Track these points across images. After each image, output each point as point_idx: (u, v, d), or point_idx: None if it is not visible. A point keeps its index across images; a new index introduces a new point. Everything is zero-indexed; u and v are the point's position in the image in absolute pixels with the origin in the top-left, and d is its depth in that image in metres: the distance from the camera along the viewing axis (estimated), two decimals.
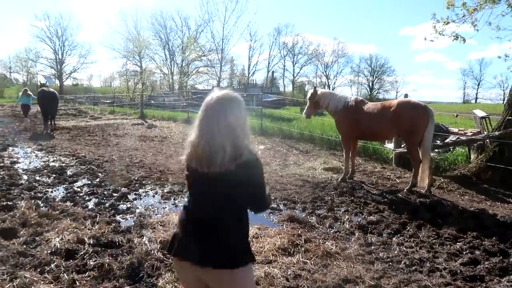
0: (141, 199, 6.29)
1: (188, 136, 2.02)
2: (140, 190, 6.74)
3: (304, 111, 8.46)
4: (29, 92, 17.97)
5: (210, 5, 53.89)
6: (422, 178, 6.84)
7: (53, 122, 15.98)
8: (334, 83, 78.49)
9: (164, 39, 54.52)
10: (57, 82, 67.61)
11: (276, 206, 6.09)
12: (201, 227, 1.90)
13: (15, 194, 6.05)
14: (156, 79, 56.35)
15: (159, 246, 4.10)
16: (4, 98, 58.26)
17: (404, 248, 4.50)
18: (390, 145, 10.19)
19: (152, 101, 32.25)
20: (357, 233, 4.93)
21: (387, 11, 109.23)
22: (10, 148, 10.75)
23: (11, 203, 5.40)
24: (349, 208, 6.01)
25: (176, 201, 6.16)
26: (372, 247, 4.52)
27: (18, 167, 8.31)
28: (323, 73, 77.56)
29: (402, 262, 4.10)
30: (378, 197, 6.58)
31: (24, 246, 4.03)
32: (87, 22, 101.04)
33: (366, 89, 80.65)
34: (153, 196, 6.46)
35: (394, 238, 4.82)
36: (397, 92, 77.37)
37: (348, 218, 5.54)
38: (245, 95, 28.19)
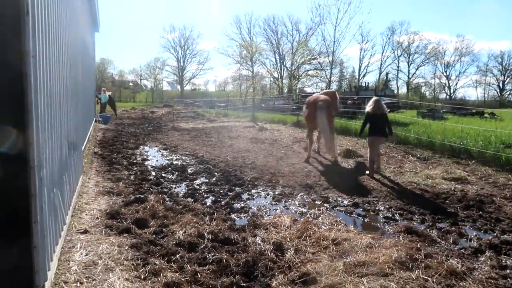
0: (253, 199, 6.52)
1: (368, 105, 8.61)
2: (253, 191, 7.00)
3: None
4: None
5: (322, 8, 53.58)
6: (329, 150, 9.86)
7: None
8: (456, 84, 71.45)
9: (275, 44, 55.99)
10: (179, 87, 74.44)
11: (390, 215, 5.77)
12: (378, 130, 8.35)
13: (145, 188, 6.80)
14: (266, 83, 58.19)
15: (272, 247, 4.20)
16: (136, 102, 66.18)
17: None
18: None
19: (263, 105, 33.30)
20: (488, 252, 4.39)
21: None
22: (141, 147, 12.14)
23: (142, 196, 6.07)
24: (477, 224, 5.40)
25: (287, 204, 6.24)
26: (508, 270, 3.97)
27: (148, 164, 9.33)
28: (443, 73, 71.22)
29: None
30: None
31: (154, 235, 4.49)
32: (207, 31, 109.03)
33: (496, 90, 71.75)
34: (265, 197, 6.64)
35: None
36: None
37: (476, 235, 4.98)
38: (355, 98, 27.35)
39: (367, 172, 8.49)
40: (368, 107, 8.56)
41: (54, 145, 3.73)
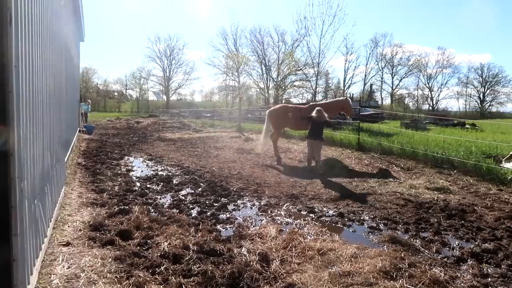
0: (239, 210, 6.50)
1: (313, 113, 10.39)
2: (239, 201, 6.98)
3: None
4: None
5: (307, 20, 54.18)
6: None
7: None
8: (438, 95, 73.03)
9: (261, 55, 56.33)
10: (164, 97, 74.17)
11: (375, 225, 5.82)
12: (315, 134, 10.18)
13: (130, 199, 6.72)
14: (252, 94, 58.43)
15: (257, 258, 4.18)
16: (121, 112, 65.64)
17: None
18: (508, 165, 9.09)
19: (249, 115, 33.39)
20: (470, 261, 4.46)
21: (507, 16, 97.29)
22: (126, 157, 12.01)
23: (127, 207, 5.99)
24: (460, 233, 5.48)
25: (273, 214, 6.23)
26: (489, 279, 4.04)
27: (133, 174, 9.23)
28: (425, 84, 72.71)
29: None
30: (495, 223, 5.90)
31: (138, 247, 4.43)
32: (194, 42, 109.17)
33: (476, 101, 73.55)
34: (251, 208, 6.63)
35: None
36: None
37: (458, 244, 5.06)
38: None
39: (309, 168, 10.42)
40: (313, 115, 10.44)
41: (35, 155, 3.67)
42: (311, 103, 13.55)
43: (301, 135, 17.07)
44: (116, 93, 77.94)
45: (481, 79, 71.94)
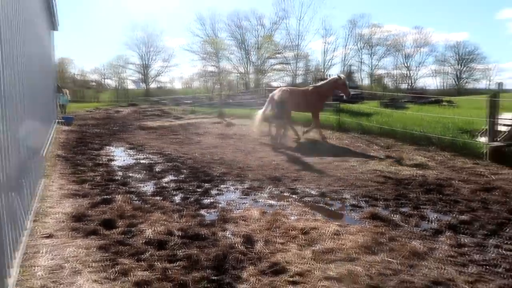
0: (222, 194, 6.53)
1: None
2: (222, 186, 7.00)
3: None
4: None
5: (285, 2, 53.55)
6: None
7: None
8: (417, 74, 73.83)
9: (239, 39, 55.79)
10: (143, 85, 72.97)
11: (356, 203, 5.95)
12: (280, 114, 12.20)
13: (112, 188, 6.66)
14: (232, 79, 58.05)
15: (242, 240, 4.24)
16: (99, 102, 64.35)
17: (503, 251, 4.12)
18: (483, 139, 9.35)
19: (230, 100, 33.22)
20: (447, 232, 4.62)
21: None
22: (107, 147, 11.85)
23: (109, 196, 5.95)
24: (437, 207, 5.66)
25: (256, 197, 6.29)
26: (465, 248, 4.20)
27: (114, 164, 9.13)
28: (403, 64, 73.41)
29: (502, 266, 3.75)
30: (470, 195, 6.10)
31: (122, 235, 4.43)
32: (172, 29, 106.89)
33: (453, 79, 74.79)
34: (234, 192, 6.67)
35: (490, 240, 4.43)
36: (489, 81, 70.46)
37: (436, 217, 5.22)
38: None
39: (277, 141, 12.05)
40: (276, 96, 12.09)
41: (10, 148, 3.60)
42: (313, 86, 13.98)
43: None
44: (94, 83, 76.05)
45: (457, 56, 73.00)
